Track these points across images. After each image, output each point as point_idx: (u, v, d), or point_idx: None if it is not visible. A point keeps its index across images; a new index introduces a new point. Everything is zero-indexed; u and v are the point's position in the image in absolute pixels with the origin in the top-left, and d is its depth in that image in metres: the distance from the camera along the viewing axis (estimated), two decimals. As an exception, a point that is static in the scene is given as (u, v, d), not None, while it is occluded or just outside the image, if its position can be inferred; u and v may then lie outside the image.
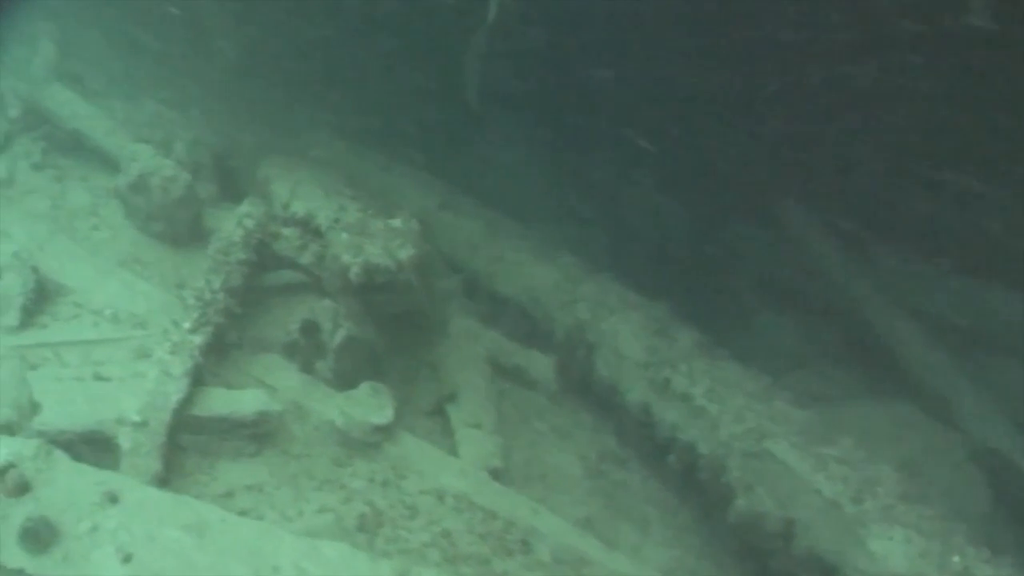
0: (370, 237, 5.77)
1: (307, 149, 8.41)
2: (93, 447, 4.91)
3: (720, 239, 8.78)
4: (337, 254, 5.62)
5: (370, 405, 5.49)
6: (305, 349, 5.93)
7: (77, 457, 4.75)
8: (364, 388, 5.62)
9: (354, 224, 5.86)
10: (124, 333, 5.68)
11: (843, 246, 8.04)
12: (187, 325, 5.41)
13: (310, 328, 6.01)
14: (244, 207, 6.28)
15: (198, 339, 5.34)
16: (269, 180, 7.29)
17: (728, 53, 8.04)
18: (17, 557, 4.18)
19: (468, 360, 6.19)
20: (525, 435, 6.06)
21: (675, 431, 5.90)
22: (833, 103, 8.02)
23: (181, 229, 6.55)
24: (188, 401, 5.10)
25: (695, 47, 8.08)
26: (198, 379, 5.24)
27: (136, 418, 4.92)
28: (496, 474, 5.53)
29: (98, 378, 5.23)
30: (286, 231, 6.34)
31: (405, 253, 5.68)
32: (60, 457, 4.59)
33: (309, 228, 6.37)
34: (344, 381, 5.75)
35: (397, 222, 5.98)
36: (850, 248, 8.02)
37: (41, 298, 5.83)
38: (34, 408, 5.01)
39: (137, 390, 5.11)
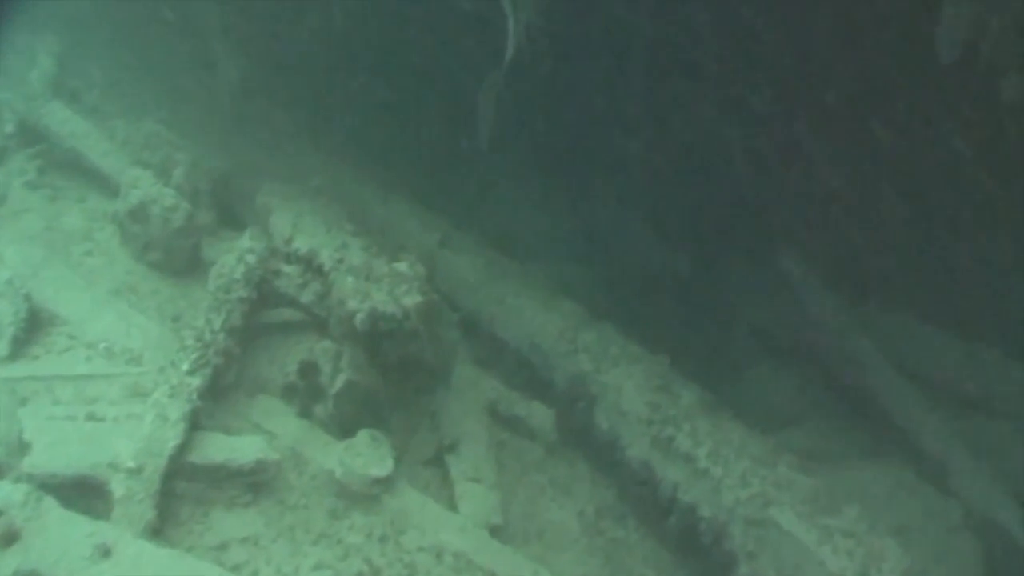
0: (376, 282, 5.61)
1: (306, 176, 8.23)
2: (84, 492, 4.69)
3: (717, 287, 8.68)
4: (343, 299, 5.46)
5: (369, 456, 5.33)
6: (303, 392, 5.76)
7: (68, 503, 4.54)
8: (363, 436, 5.45)
9: (359, 267, 5.70)
10: (118, 369, 5.48)
11: (841, 302, 7.94)
12: (185, 366, 5.22)
13: (309, 370, 5.85)
14: (245, 241, 6.11)
15: (196, 382, 5.15)
16: (269, 210, 7.13)
17: (734, 103, 7.96)
18: (4, 612, 3.98)
19: (468, 409, 6.04)
20: (524, 488, 5.91)
21: (677, 491, 5.75)
22: (840, 159, 7.95)
23: (179, 259, 6.36)
24: (184, 447, 4.89)
25: (701, 96, 8.00)
26: (195, 423, 5.04)
27: (131, 464, 4.74)
28: (495, 531, 5.37)
29: (91, 418, 5.03)
30: (287, 268, 6.18)
31: (411, 300, 5.53)
32: (51, 505, 4.40)
33: (311, 266, 6.20)
34: (343, 427, 5.59)
35: (403, 266, 5.83)
36: (848, 305, 7.92)
37: (33, 327, 5.61)
38: (24, 447, 4.80)
39: (132, 433, 4.92)
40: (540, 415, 6.38)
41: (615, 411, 6.24)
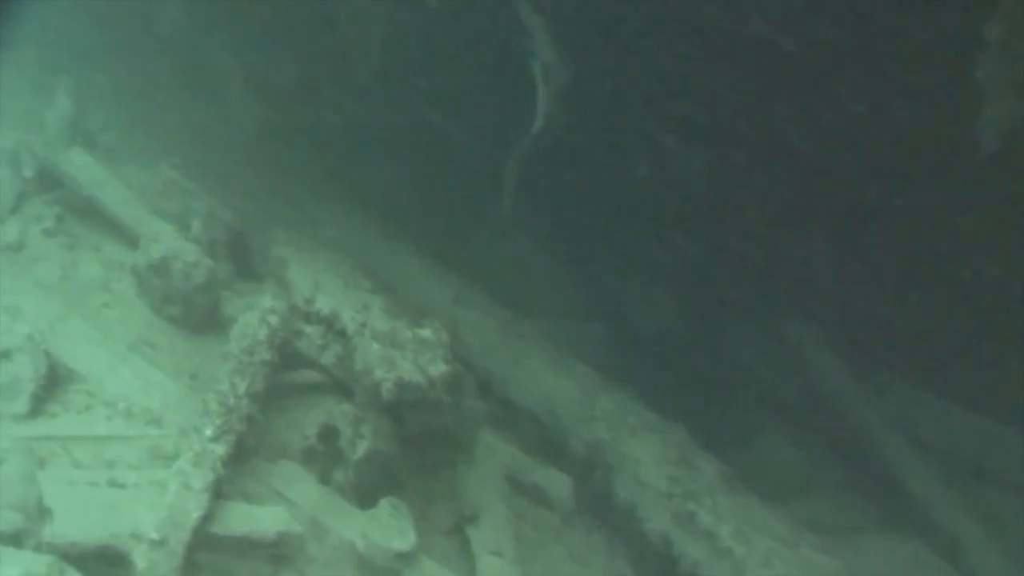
0: (401, 349, 5.53)
1: (320, 227, 8.17)
2: (106, 562, 4.56)
3: (723, 351, 8.64)
4: (369, 368, 5.36)
5: (391, 527, 5.21)
6: (323, 456, 5.66)
7: (90, 574, 4.41)
8: (384, 506, 5.36)
9: (384, 333, 5.61)
10: (138, 431, 5.36)
11: (851, 371, 7.91)
12: (208, 432, 5.11)
13: (328, 434, 5.75)
14: (267, 301, 6.01)
15: (220, 449, 5.04)
16: (286, 263, 7.06)
17: (745, 171, 7.96)
18: None
19: (487, 477, 5.95)
20: (542, 560, 5.82)
21: (698, 569, 5.67)
22: (851, 226, 7.95)
23: (198, 315, 6.26)
24: (208, 517, 4.77)
25: (711, 162, 8.00)
26: (218, 492, 4.92)
27: (154, 535, 4.61)
28: (517, 608, 5.28)
29: (113, 484, 4.90)
30: (308, 329, 6.09)
31: (436, 370, 5.45)
32: (74, 578, 4.26)
33: (332, 327, 6.12)
34: (363, 494, 5.49)
35: (427, 332, 5.77)
36: (859, 374, 7.90)
37: (52, 384, 5.48)
38: (44, 514, 4.67)
39: (154, 501, 4.79)
40: (557, 483, 6.29)
41: (634, 482, 6.16)
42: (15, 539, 4.53)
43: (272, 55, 8.59)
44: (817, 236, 8.06)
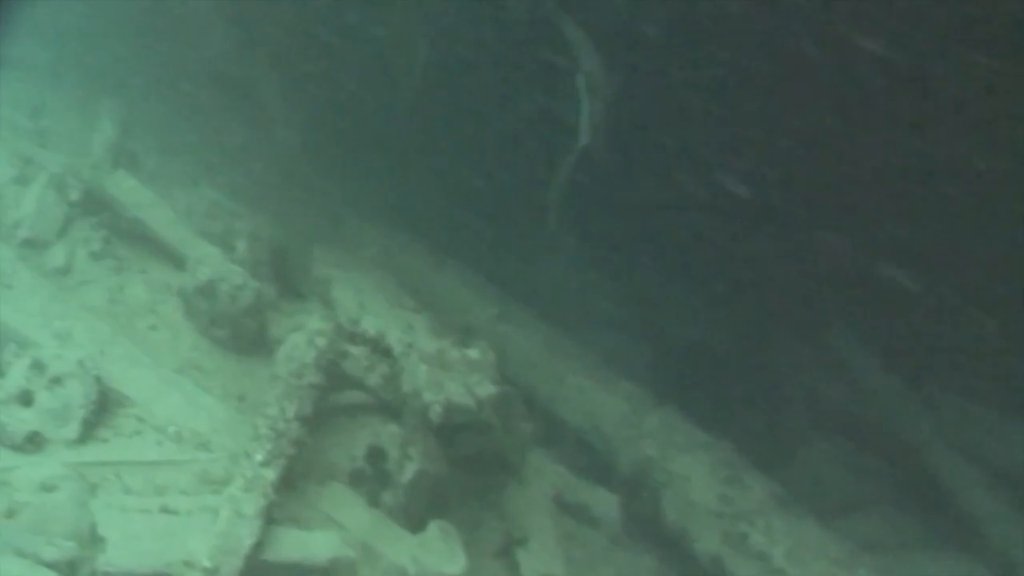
0: (448, 371, 5.45)
1: (361, 244, 8.14)
2: (159, 591, 4.52)
3: (767, 363, 8.49)
4: (418, 390, 5.29)
5: (442, 551, 5.14)
6: (371, 478, 5.60)
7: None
8: (434, 530, 5.28)
9: (432, 355, 5.54)
10: (188, 455, 5.33)
11: (900, 383, 7.74)
12: (259, 457, 5.06)
13: (376, 455, 5.69)
14: (314, 322, 5.95)
15: (271, 475, 4.99)
16: (329, 283, 7.03)
17: (791, 182, 7.83)
18: None
19: (535, 498, 5.86)
20: (591, 583, 5.71)
21: (751, 592, 5.55)
22: (900, 235, 7.80)
23: (245, 337, 6.23)
24: (260, 544, 4.72)
25: (755, 173, 7.87)
26: (269, 518, 4.87)
27: (207, 563, 4.56)
28: (568, 631, 5.18)
29: (165, 510, 4.86)
30: (354, 350, 6.03)
31: (484, 391, 5.38)
32: (129, 608, 4.22)
33: (378, 348, 6.06)
34: (412, 517, 5.41)
35: (474, 353, 5.69)
36: (907, 386, 7.73)
37: (102, 409, 5.46)
38: (97, 543, 4.64)
39: (206, 527, 4.74)
40: (605, 503, 6.19)
41: (683, 501, 6.05)
42: (69, 568, 4.50)
43: (312, 75, 8.57)
44: (865, 246, 7.91)
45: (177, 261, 6.77)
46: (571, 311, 7.90)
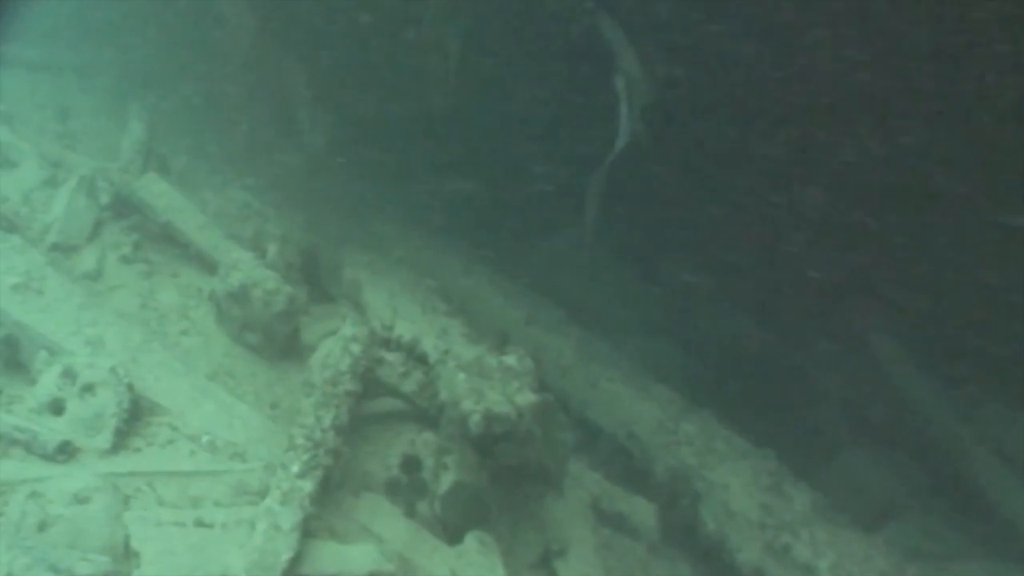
0: (488, 379, 5.24)
1: (390, 247, 7.96)
2: (195, 608, 4.33)
3: (802, 366, 8.26)
4: (456, 399, 5.09)
5: (481, 565, 4.94)
6: (407, 488, 5.40)
7: (178, 619, 4.18)
8: (472, 542, 5.08)
9: (470, 362, 5.33)
10: (223, 465, 5.14)
11: (939, 387, 7.50)
12: (295, 468, 4.87)
13: (411, 464, 5.50)
14: (348, 328, 5.76)
15: (308, 486, 4.79)
16: (360, 287, 6.85)
17: (826, 184, 7.60)
18: None
19: (573, 508, 5.65)
20: (631, 594, 5.50)
21: (795, 605, 5.33)
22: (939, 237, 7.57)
23: (277, 343, 6.05)
24: (297, 558, 4.53)
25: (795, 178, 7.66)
26: (306, 530, 4.68)
27: (243, 579, 4.36)
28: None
29: (200, 524, 4.67)
30: (389, 356, 5.84)
31: (524, 400, 5.16)
32: (165, 628, 4.03)
33: (413, 354, 5.87)
34: (449, 527, 5.21)
35: (512, 360, 5.48)
36: (946, 390, 7.48)
37: (134, 417, 5.27)
38: (132, 557, 4.45)
39: (243, 542, 4.55)
40: (642, 511, 5.98)
41: (723, 510, 5.83)
42: (104, 584, 4.30)
43: (342, 78, 8.39)
44: (903, 248, 7.68)
45: (208, 265, 6.59)
46: (603, 314, 7.69)
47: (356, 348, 5.57)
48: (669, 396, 6.60)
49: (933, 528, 6.93)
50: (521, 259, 8.15)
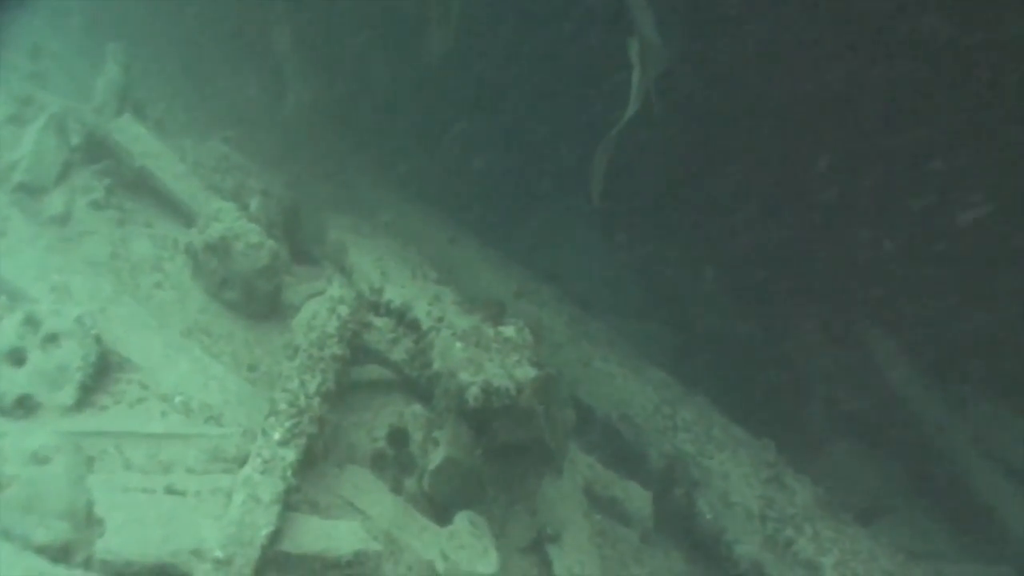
0: (486, 350, 4.78)
1: (375, 211, 7.46)
2: (163, 583, 3.84)
3: (789, 356, 7.92)
4: (452, 370, 4.63)
5: (473, 548, 4.49)
6: (394, 463, 4.93)
7: (145, 596, 3.69)
8: (462, 522, 4.64)
9: (468, 332, 4.86)
10: (197, 429, 4.62)
11: (931, 383, 7.20)
12: (277, 435, 4.38)
13: (398, 437, 5.03)
14: (336, 290, 5.26)
15: (290, 455, 4.31)
16: (343, 247, 6.33)
17: (831, 169, 7.24)
18: None
19: (566, 491, 5.22)
20: (624, 583, 5.09)
21: (796, 602, 4.96)
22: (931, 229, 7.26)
23: (258, 301, 5.52)
24: (278, 533, 4.04)
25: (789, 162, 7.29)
26: (288, 504, 4.19)
27: (218, 553, 3.89)
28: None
29: (171, 491, 4.17)
30: (378, 322, 5.36)
31: (524, 374, 4.71)
32: (130, 605, 3.53)
33: (403, 320, 5.39)
34: (438, 505, 4.77)
35: (510, 331, 5.02)
36: (938, 387, 7.18)
37: (101, 373, 4.73)
38: (95, 525, 3.94)
39: (218, 513, 4.06)
40: (636, 498, 5.58)
41: (721, 500, 5.44)
42: (62, 553, 3.81)
43: (329, 30, 7.84)
44: (895, 239, 7.36)
45: (185, 216, 6.04)
46: (596, 291, 7.27)
47: (344, 310, 5.08)
48: (664, 380, 6.18)
49: (917, 526, 6.63)
50: (513, 230, 7.69)
